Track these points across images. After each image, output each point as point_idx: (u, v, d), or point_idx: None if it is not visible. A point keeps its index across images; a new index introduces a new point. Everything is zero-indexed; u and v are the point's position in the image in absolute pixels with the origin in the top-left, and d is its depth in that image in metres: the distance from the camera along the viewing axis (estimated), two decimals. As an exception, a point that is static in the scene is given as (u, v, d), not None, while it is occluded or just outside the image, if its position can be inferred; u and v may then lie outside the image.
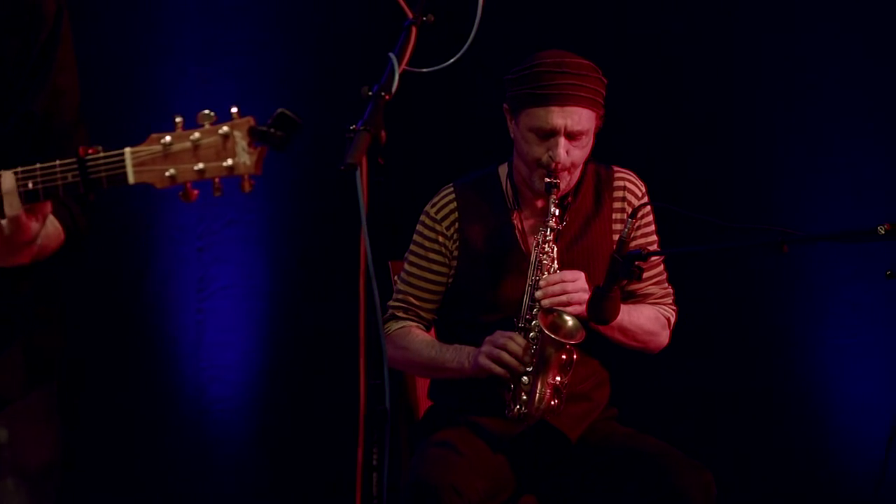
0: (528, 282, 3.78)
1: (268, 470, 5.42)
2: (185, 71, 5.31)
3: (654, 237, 3.97)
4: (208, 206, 5.35)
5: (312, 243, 5.42)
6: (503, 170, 3.98)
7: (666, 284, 4.02)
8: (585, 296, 3.68)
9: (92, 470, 5.26)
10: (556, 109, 3.74)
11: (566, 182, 3.81)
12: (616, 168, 3.99)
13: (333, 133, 5.33)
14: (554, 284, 3.72)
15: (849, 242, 3.33)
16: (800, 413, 4.93)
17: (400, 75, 2.84)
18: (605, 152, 3.97)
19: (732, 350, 5.03)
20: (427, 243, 3.95)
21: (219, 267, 5.37)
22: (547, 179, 3.77)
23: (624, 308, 3.82)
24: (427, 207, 3.98)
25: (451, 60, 2.99)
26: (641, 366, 4.22)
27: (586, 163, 3.92)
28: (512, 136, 3.87)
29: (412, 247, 3.97)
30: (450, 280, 3.94)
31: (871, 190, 4.79)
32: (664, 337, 3.98)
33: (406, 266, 3.98)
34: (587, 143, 3.80)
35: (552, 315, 3.70)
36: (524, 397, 3.70)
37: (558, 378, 3.70)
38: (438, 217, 3.94)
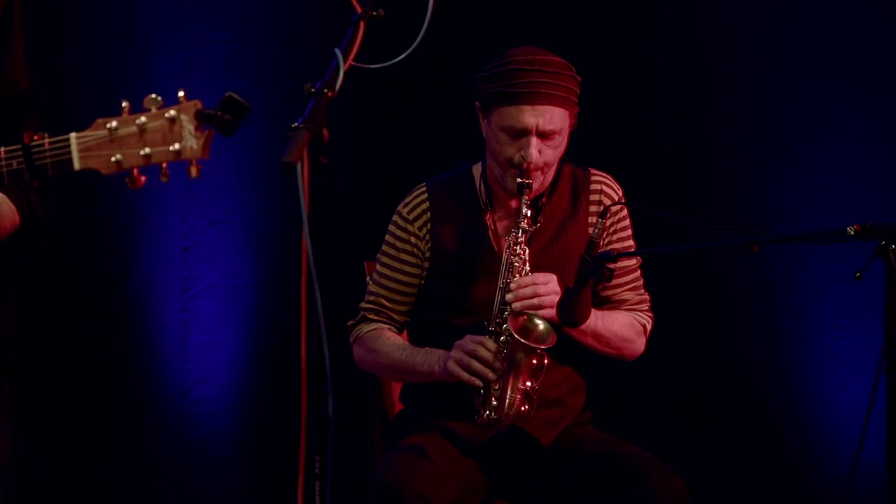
0: (499, 284, 3.69)
1: (255, 471, 5.35)
2: (164, 69, 5.24)
3: (631, 241, 3.88)
4: (193, 205, 5.28)
5: (298, 243, 5.32)
6: (477, 169, 3.89)
7: (642, 291, 3.92)
8: (557, 299, 3.58)
9: (75, 473, 5.20)
10: (527, 108, 3.65)
11: (539, 182, 3.72)
12: (593, 170, 3.89)
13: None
14: (525, 287, 3.63)
15: (818, 244, 3.22)
16: (786, 417, 4.83)
17: (346, 72, 2.74)
18: (580, 153, 3.88)
19: (718, 353, 4.94)
20: (399, 244, 3.87)
21: (203, 267, 5.30)
22: (519, 180, 3.68)
23: (598, 313, 3.74)
24: (399, 207, 3.90)
25: (401, 57, 2.91)
26: (621, 370, 4.12)
27: (562, 164, 3.83)
28: (484, 134, 3.78)
29: (384, 247, 3.89)
30: (422, 281, 3.85)
31: (860, 190, 4.70)
32: (640, 344, 3.88)
33: (378, 267, 3.90)
34: (560, 142, 3.71)
35: (522, 318, 3.60)
36: (494, 403, 3.61)
37: (529, 383, 3.60)
38: (410, 217, 3.86)
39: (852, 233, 3.09)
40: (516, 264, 3.67)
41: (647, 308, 3.91)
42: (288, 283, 5.30)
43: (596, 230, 3.53)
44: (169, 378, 5.29)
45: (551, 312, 3.59)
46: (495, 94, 3.68)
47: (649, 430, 4.97)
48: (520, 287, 3.63)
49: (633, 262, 3.88)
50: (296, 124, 2.61)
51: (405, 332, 3.96)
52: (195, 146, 2.53)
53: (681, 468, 3.53)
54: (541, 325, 3.60)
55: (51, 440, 5.22)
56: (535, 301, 3.61)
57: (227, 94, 2.52)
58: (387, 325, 3.89)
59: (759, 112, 4.90)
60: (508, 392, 3.58)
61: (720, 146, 4.97)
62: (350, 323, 3.93)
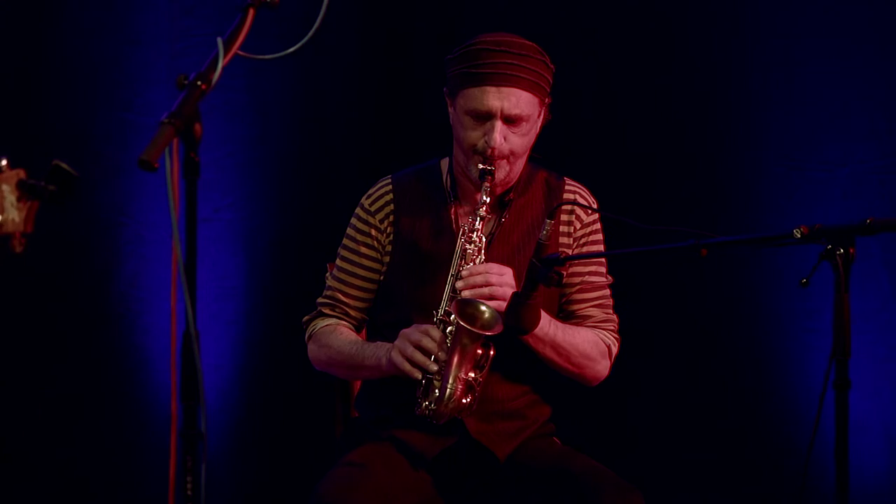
0: (451, 271, 3.50)
1: (244, 473, 5.20)
2: (150, 63, 5.10)
3: (602, 261, 3.69)
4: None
5: (288, 243, 5.18)
6: (445, 163, 3.72)
7: (610, 311, 3.72)
8: (511, 292, 3.37)
9: (59, 474, 5.10)
10: (491, 90, 3.46)
11: (504, 172, 3.53)
12: (568, 180, 3.71)
13: (311, 130, 5.17)
14: (477, 275, 3.44)
15: (764, 247, 2.99)
16: (781, 425, 4.60)
17: (225, 64, 2.56)
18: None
19: (704, 360, 4.71)
20: (359, 236, 3.70)
21: (192, 267, 5.14)
22: (481, 166, 3.49)
23: (559, 324, 3.55)
24: (363, 199, 3.73)
25: (295, 48, 2.72)
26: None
27: (536, 169, 3.66)
28: (451, 122, 3.60)
29: (344, 240, 3.73)
30: (381, 277, 3.68)
31: (862, 187, 4.48)
32: (603, 367, 3.66)
33: (337, 260, 3.74)
34: (528, 130, 3.52)
35: (468, 306, 3.40)
36: (435, 394, 3.42)
37: (472, 374, 3.42)
38: (372, 209, 3.69)
39: (799, 235, 2.88)
40: (470, 251, 3.48)
41: (613, 328, 3.70)
42: (278, 284, 5.19)
43: (544, 231, 3.31)
44: (156, 382, 5.14)
45: (503, 305, 3.38)
46: (461, 76, 3.50)
47: (626, 442, 4.77)
48: (472, 274, 3.44)
49: (601, 278, 3.69)
50: (163, 119, 2.41)
51: (364, 331, 3.79)
52: (17, 218, 2.38)
53: (673, 482, 3.30)
54: (487, 312, 3.40)
55: (36, 442, 5.12)
56: (486, 290, 3.42)
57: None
58: (343, 322, 3.71)
59: (760, 109, 4.66)
60: (449, 381, 3.39)
61: (718, 145, 4.74)
62: (305, 318, 3.78)
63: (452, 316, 3.41)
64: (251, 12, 2.63)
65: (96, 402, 5.17)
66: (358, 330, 3.75)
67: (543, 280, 3.29)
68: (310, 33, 2.70)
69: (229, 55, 2.56)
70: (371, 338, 3.73)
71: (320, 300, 3.74)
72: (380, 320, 3.71)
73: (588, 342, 3.60)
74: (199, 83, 2.48)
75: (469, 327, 3.35)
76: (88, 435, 5.16)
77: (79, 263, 5.15)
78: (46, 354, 5.11)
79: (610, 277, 3.70)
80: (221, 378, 5.19)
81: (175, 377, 2.47)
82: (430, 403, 3.42)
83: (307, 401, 5.01)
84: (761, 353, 4.60)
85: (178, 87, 2.50)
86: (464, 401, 3.42)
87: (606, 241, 3.71)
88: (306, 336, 3.76)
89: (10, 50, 5.10)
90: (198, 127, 2.47)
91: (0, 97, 5.04)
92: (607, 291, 3.70)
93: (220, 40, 2.56)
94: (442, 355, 3.40)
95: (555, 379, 3.68)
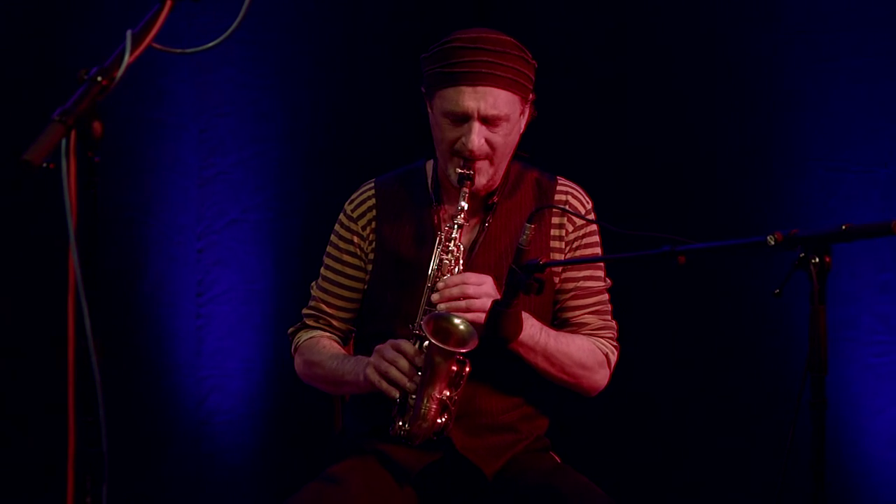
0: (427, 284, 3.32)
1: (271, 483, 5.07)
2: (176, 62, 4.98)
3: (598, 265, 3.48)
4: (209, 205, 5.01)
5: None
6: (431, 165, 3.53)
7: (608, 317, 3.52)
8: (490, 302, 3.16)
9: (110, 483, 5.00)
10: (467, 90, 3.28)
11: (487, 176, 3.34)
12: (561, 179, 3.52)
13: (341, 129, 5.01)
14: (452, 287, 3.25)
15: (737, 253, 2.79)
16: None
17: (134, 59, 2.40)
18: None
19: (722, 372, 4.47)
20: (342, 244, 3.55)
21: (220, 269, 5.04)
22: (459, 170, 3.32)
23: (551, 332, 3.36)
24: (345, 204, 3.59)
25: (216, 42, 2.56)
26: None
27: (526, 168, 3.48)
28: (430, 123, 3.43)
29: (328, 248, 3.60)
30: (365, 286, 3.51)
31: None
32: (601, 376, 3.46)
33: (322, 270, 3.61)
34: (509, 130, 3.32)
35: (442, 320, 3.20)
36: (410, 413, 3.25)
37: (447, 392, 3.24)
38: (355, 215, 3.53)
39: (773, 243, 2.69)
40: (447, 262, 3.30)
41: (611, 336, 3.51)
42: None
43: (524, 236, 3.10)
44: (183, 386, 5.03)
45: (481, 317, 3.19)
46: (436, 76, 3.33)
47: (628, 458, 4.54)
48: (447, 286, 3.25)
49: (598, 283, 3.49)
50: (53, 116, 2.27)
51: (351, 344, 3.64)
52: None
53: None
54: (462, 326, 3.21)
55: (57, 443, 5.03)
56: (462, 303, 3.23)
57: None
58: (326, 334, 3.54)
59: (795, 108, 4.43)
60: (424, 401, 3.22)
61: (752, 146, 4.50)
62: (290, 330, 3.65)
63: None
64: (168, 4, 2.45)
65: (121, 407, 5.07)
66: (345, 342, 3.59)
67: (523, 287, 3.10)
68: (233, 25, 2.51)
69: (139, 49, 2.40)
70: (358, 349, 3.58)
71: (305, 311, 3.60)
72: (365, 331, 3.56)
73: (583, 351, 3.40)
74: (98, 79, 2.31)
75: (440, 345, 3.16)
76: (112, 438, 5.06)
77: (104, 264, 5.04)
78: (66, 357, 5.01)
79: (608, 281, 3.49)
80: (250, 382, 5.06)
81: (71, 390, 2.30)
82: (404, 424, 3.27)
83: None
84: (789, 367, 4.31)
85: (77, 81, 2.33)
86: (438, 421, 3.24)
87: (607, 245, 3.50)
88: (292, 349, 3.61)
89: (34, 48, 5.02)
90: (97, 125, 2.30)
91: (24, 96, 4.95)
92: (605, 297, 3.50)
93: (128, 33, 2.39)
94: (415, 371, 3.22)
95: (552, 390, 3.49)
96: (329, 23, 5.03)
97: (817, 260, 2.60)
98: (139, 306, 5.04)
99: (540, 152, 3.60)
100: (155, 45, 2.45)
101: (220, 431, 5.05)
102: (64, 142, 2.30)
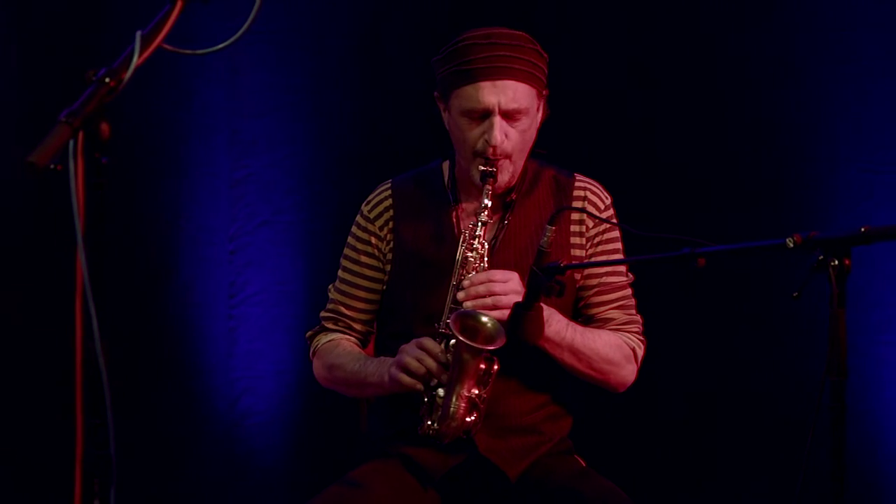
0: (452, 281, 3.30)
1: (303, 486, 5.05)
2: (208, 63, 4.98)
3: (620, 256, 3.47)
4: (241, 206, 5.01)
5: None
6: (447, 165, 3.52)
7: (633, 311, 3.48)
8: (517, 299, 3.16)
9: (118, 486, 5.00)
10: (486, 85, 3.25)
11: (508, 174, 3.32)
12: (579, 176, 3.49)
13: (373, 128, 5.00)
14: (479, 284, 3.23)
15: (757, 256, 2.75)
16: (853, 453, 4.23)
17: (143, 60, 2.39)
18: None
19: (755, 376, 4.41)
20: (359, 245, 3.53)
21: (252, 271, 5.03)
22: (482, 168, 3.29)
23: (577, 328, 3.33)
24: (362, 205, 3.57)
25: (226, 43, 2.54)
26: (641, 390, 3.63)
27: (543, 165, 3.45)
28: (447, 126, 3.41)
29: (345, 249, 3.57)
30: (384, 287, 3.49)
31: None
32: (628, 371, 3.42)
33: (339, 271, 3.58)
34: (529, 125, 3.31)
35: (469, 318, 3.18)
36: (439, 413, 3.23)
37: (475, 390, 3.21)
38: (371, 216, 3.51)
39: (791, 245, 2.66)
40: (471, 260, 3.28)
41: (637, 330, 3.47)
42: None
43: (545, 238, 3.08)
44: (215, 387, 5.03)
45: (507, 314, 3.16)
46: (451, 76, 3.31)
47: (656, 460, 4.49)
48: (473, 284, 3.24)
49: (621, 278, 3.46)
50: (60, 117, 2.26)
51: (371, 345, 3.62)
52: None
53: None
54: (489, 324, 3.19)
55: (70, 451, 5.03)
56: (488, 300, 3.21)
57: None
58: (346, 336, 3.52)
59: (829, 108, 4.38)
60: (453, 400, 3.20)
61: (787, 147, 4.45)
62: (309, 334, 3.63)
63: None
64: (179, 5, 2.43)
65: (153, 408, 5.08)
66: (364, 344, 3.57)
67: (544, 290, 3.08)
68: (243, 27, 2.49)
69: (149, 50, 2.38)
70: (378, 351, 3.55)
71: (323, 314, 3.58)
72: (385, 332, 3.53)
73: (610, 345, 3.37)
74: (106, 80, 2.30)
75: (469, 342, 3.15)
76: (142, 442, 5.08)
77: (135, 266, 5.06)
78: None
79: (631, 276, 3.46)
80: (281, 385, 5.06)
81: (79, 391, 2.30)
82: (433, 423, 3.24)
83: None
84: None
85: (85, 82, 2.32)
86: (468, 419, 3.22)
87: (627, 244, 3.46)
88: (311, 353, 3.60)
89: (68, 50, 5.04)
90: (104, 126, 2.29)
91: (58, 98, 4.96)
92: (628, 291, 3.47)
93: (138, 34, 2.38)
94: (442, 369, 3.20)
95: (576, 391, 3.46)
96: (361, 24, 5.02)
97: (836, 263, 2.55)
98: (171, 308, 5.05)
99: (563, 150, 3.58)
100: (165, 45, 2.43)
101: (253, 433, 5.05)
102: (71, 143, 2.29)
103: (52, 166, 2.26)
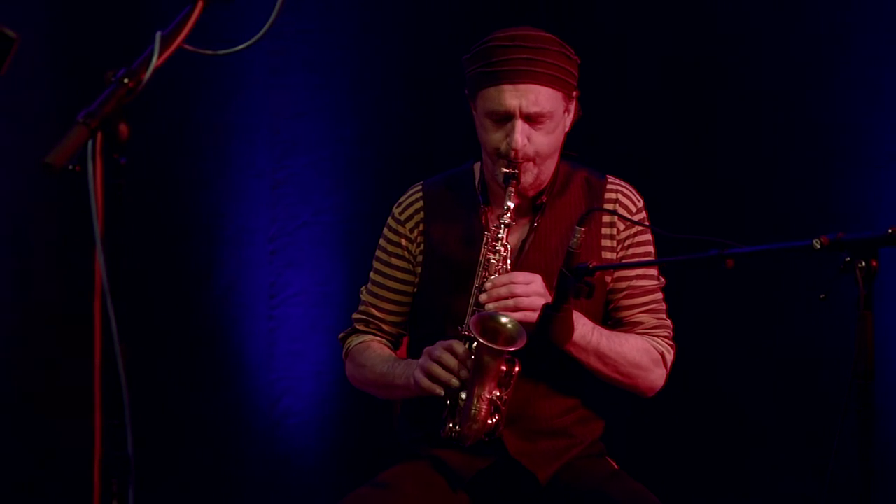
0: (475, 284, 3.28)
1: (342, 487, 5.02)
2: (252, 60, 4.98)
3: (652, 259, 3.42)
4: (281, 207, 5.02)
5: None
6: (478, 167, 3.49)
7: (663, 316, 3.46)
8: (541, 301, 3.13)
9: (159, 484, 5.03)
10: (508, 88, 3.24)
11: (533, 175, 3.30)
12: (611, 178, 3.47)
13: (414, 129, 4.98)
14: (500, 287, 3.21)
15: (785, 257, 2.71)
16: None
17: (163, 62, 2.39)
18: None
19: (795, 378, 4.35)
20: (390, 247, 3.53)
21: (292, 272, 5.03)
22: (505, 170, 3.28)
23: (604, 332, 3.31)
24: (393, 207, 3.57)
25: (249, 43, 2.54)
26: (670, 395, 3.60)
27: (576, 167, 3.43)
28: (475, 125, 3.38)
29: (377, 251, 3.57)
30: (415, 289, 3.49)
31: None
32: (657, 376, 3.40)
33: (371, 273, 3.58)
34: (554, 128, 3.28)
35: (489, 320, 3.18)
36: (461, 415, 3.22)
37: (496, 392, 3.21)
38: (402, 218, 3.51)
39: (818, 246, 2.63)
40: (494, 262, 3.26)
41: (666, 335, 3.44)
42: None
43: (574, 239, 3.05)
44: (256, 388, 5.04)
45: (531, 316, 3.15)
46: (477, 76, 3.30)
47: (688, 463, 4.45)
48: (495, 286, 3.22)
49: (652, 281, 3.43)
50: (78, 118, 2.26)
51: (404, 347, 3.62)
52: None
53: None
54: (509, 325, 3.18)
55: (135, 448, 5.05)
56: (510, 302, 3.20)
57: None
58: (376, 338, 3.52)
59: (869, 107, 4.34)
60: (474, 402, 3.19)
61: (826, 145, 4.40)
62: (341, 336, 3.63)
63: None
64: (199, 5, 2.43)
65: (191, 409, 5.09)
66: (396, 346, 3.57)
67: (573, 291, 3.05)
68: (264, 29, 2.49)
69: (169, 51, 2.38)
70: (411, 353, 3.55)
71: (355, 315, 3.59)
72: (417, 334, 3.53)
73: (638, 350, 3.34)
74: (125, 80, 2.30)
75: (488, 344, 3.13)
76: (184, 442, 5.09)
77: (177, 266, 5.07)
78: (145, 358, 5.04)
79: (662, 280, 3.43)
80: (321, 385, 5.05)
81: (98, 392, 2.29)
82: (454, 425, 3.23)
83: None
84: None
85: (104, 83, 2.32)
86: (489, 421, 3.21)
87: (658, 246, 3.43)
88: (343, 354, 3.60)
89: (106, 50, 5.06)
90: (123, 127, 2.28)
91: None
92: (659, 295, 3.44)
93: (157, 35, 2.38)
94: (464, 372, 3.19)
95: (607, 394, 3.43)
96: (402, 24, 5.01)
97: (863, 264, 2.51)
98: (212, 307, 5.06)
99: (594, 151, 3.55)
100: (186, 46, 2.42)
101: (293, 434, 5.05)
102: (90, 144, 2.29)
103: (70, 167, 2.26)
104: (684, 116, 4.61)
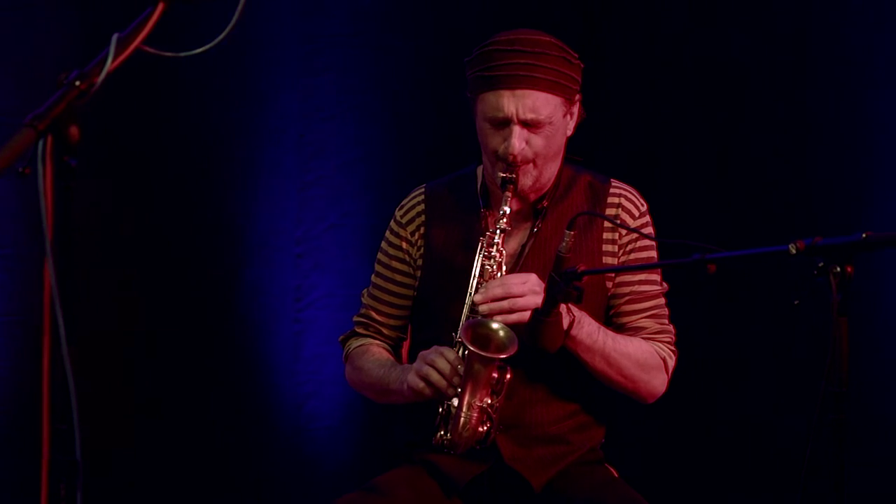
0: (469, 290, 3.23)
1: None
2: (282, 63, 4.97)
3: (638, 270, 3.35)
4: (308, 209, 4.99)
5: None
6: (481, 170, 3.45)
7: (666, 321, 3.40)
8: (537, 299, 3.07)
9: (184, 488, 5.04)
10: (505, 93, 3.21)
11: (531, 179, 3.25)
12: (614, 181, 3.42)
13: (442, 131, 4.94)
14: (496, 287, 3.16)
15: (761, 262, 2.66)
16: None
17: (119, 63, 2.36)
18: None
19: (808, 385, 4.22)
20: (391, 250, 3.51)
21: (318, 275, 5.01)
22: (502, 174, 3.24)
23: (609, 333, 3.27)
24: (396, 210, 3.55)
25: (210, 45, 2.51)
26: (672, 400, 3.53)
27: (578, 171, 3.39)
28: (476, 128, 3.33)
29: (378, 254, 3.55)
30: (415, 293, 3.45)
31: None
32: (659, 381, 3.35)
33: (372, 277, 3.56)
34: (553, 132, 3.24)
35: (480, 327, 3.13)
36: (451, 422, 3.19)
37: (487, 400, 3.17)
38: (404, 221, 3.49)
39: (794, 251, 2.58)
40: (488, 268, 3.22)
41: (668, 340, 3.39)
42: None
43: (564, 244, 3.00)
44: (281, 391, 5.02)
45: (525, 316, 3.10)
46: (476, 80, 3.28)
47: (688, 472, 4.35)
48: (489, 289, 3.15)
49: (654, 287, 3.38)
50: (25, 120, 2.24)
51: (405, 351, 3.59)
52: None
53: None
54: (501, 331, 3.14)
55: (162, 450, 5.06)
56: (505, 304, 3.15)
57: None
58: (376, 341, 3.48)
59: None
60: (464, 409, 3.16)
61: (861, 145, 4.33)
62: (341, 338, 3.60)
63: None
64: (161, 7, 2.39)
65: (217, 411, 5.08)
66: (395, 349, 3.53)
67: (561, 296, 2.99)
68: (227, 29, 2.45)
69: (126, 53, 2.35)
70: (412, 358, 3.50)
71: (355, 318, 3.57)
72: (418, 338, 3.50)
73: (641, 352, 3.30)
74: (76, 83, 2.27)
75: (479, 351, 3.08)
76: (209, 444, 5.08)
77: (204, 268, 5.06)
78: (170, 360, 5.04)
79: (665, 285, 3.36)
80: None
81: (45, 397, 2.27)
82: (445, 433, 3.20)
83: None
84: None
85: (56, 85, 2.30)
86: (480, 429, 3.17)
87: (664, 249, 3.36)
88: (343, 357, 3.57)
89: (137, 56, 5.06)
90: (73, 129, 2.25)
91: (130, 103, 4.99)
92: (662, 301, 3.39)
93: (114, 37, 2.35)
94: (456, 379, 3.15)
95: (605, 401, 3.37)
96: (431, 26, 4.97)
97: (838, 269, 2.43)
98: (238, 309, 5.05)
99: (603, 153, 3.49)
100: (145, 48, 2.39)
101: (319, 437, 5.03)
102: (40, 146, 2.27)
103: (19, 169, 2.24)
104: (699, 119, 4.54)
